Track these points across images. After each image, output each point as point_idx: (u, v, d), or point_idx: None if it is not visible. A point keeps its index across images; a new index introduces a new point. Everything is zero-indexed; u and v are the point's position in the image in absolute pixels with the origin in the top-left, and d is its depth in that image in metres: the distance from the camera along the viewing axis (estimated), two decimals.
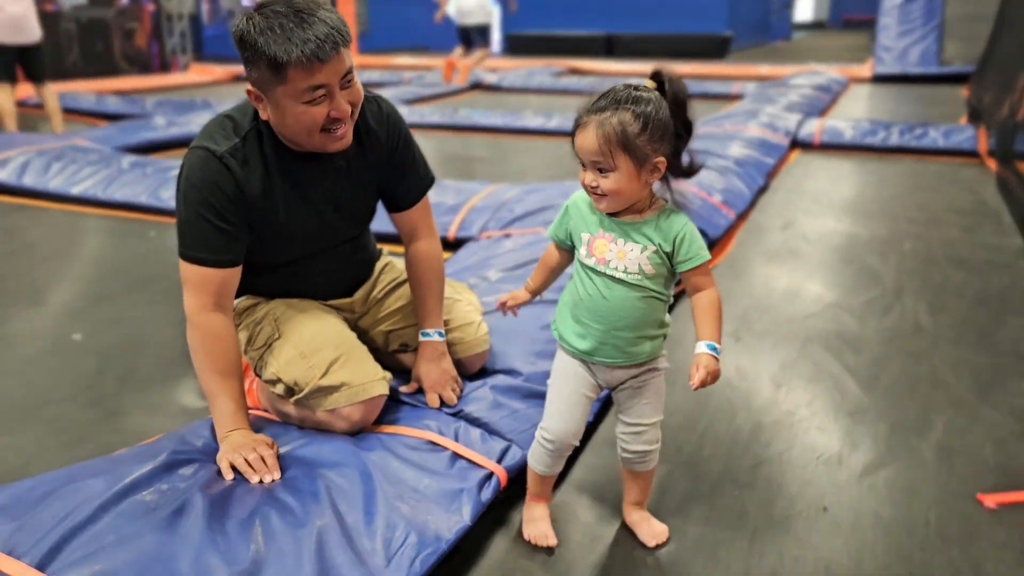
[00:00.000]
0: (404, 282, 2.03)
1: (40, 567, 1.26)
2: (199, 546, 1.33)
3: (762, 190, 4.40)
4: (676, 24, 15.15)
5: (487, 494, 1.60)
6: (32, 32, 5.84)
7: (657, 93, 1.36)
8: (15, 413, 2.10)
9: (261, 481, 1.54)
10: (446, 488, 1.57)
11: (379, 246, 2.13)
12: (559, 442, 1.53)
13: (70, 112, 7.35)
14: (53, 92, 6.24)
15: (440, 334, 1.95)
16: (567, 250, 1.55)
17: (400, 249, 2.00)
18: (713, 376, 1.36)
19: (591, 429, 1.96)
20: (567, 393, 1.53)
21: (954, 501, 1.72)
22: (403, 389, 1.94)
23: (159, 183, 4.13)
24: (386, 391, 1.78)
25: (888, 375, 2.29)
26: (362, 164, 1.80)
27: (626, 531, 1.61)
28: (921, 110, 7.66)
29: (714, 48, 14.71)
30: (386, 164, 1.84)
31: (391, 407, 1.86)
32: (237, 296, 1.80)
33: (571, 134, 1.39)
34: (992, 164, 4.92)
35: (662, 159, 1.36)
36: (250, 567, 1.31)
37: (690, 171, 1.41)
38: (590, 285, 1.45)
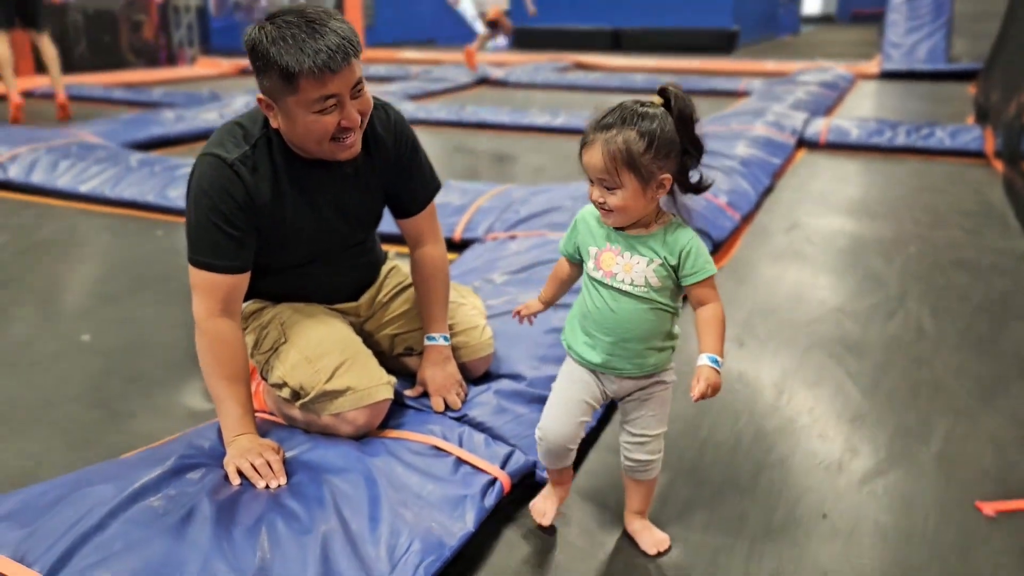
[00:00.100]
0: (409, 286, 2.05)
1: (51, 574, 1.28)
2: (207, 553, 1.35)
3: (768, 191, 4.40)
4: (683, 18, 15.11)
5: (490, 500, 1.61)
6: None
7: (663, 110, 1.37)
8: (24, 415, 2.13)
9: (267, 486, 1.57)
10: (450, 494, 1.59)
11: (385, 247, 2.15)
12: (549, 442, 1.57)
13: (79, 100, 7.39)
14: (50, 41, 6.22)
15: (445, 338, 1.97)
16: (577, 264, 1.58)
17: (405, 250, 2.02)
18: (714, 389, 1.38)
19: (594, 435, 1.98)
20: (567, 397, 1.56)
21: (953, 508, 1.73)
22: (408, 393, 1.96)
23: (167, 182, 4.15)
24: (391, 395, 1.80)
25: (890, 381, 2.30)
26: (370, 171, 1.82)
27: (627, 538, 1.63)
28: (928, 108, 7.63)
29: (721, 43, 14.67)
30: (393, 171, 1.86)
31: (396, 411, 1.88)
32: (244, 300, 1.82)
33: (579, 151, 1.42)
34: (998, 165, 4.91)
35: (668, 176, 1.38)
36: (256, 574, 1.33)
37: (699, 188, 1.43)
38: (598, 298, 1.47)
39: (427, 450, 1.73)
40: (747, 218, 3.85)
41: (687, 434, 2.02)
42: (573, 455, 1.63)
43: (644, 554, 1.59)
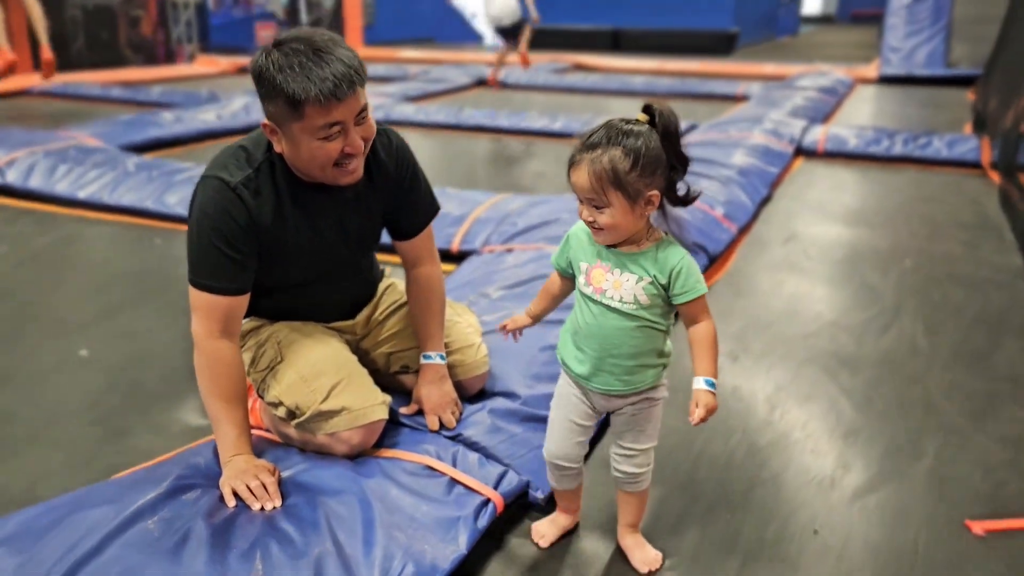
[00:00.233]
0: (405, 304, 2.06)
1: None
2: None
3: (765, 200, 4.41)
4: (683, 19, 15.12)
5: (483, 521, 1.62)
6: None
7: (648, 127, 1.38)
8: (22, 433, 2.13)
9: (263, 508, 1.58)
10: (443, 516, 1.60)
11: (382, 259, 2.15)
12: (552, 462, 1.62)
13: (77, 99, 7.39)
14: (36, 2, 6.19)
15: (442, 357, 1.98)
16: (569, 278, 1.60)
17: (399, 260, 2.03)
18: (711, 412, 1.42)
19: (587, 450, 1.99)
20: (559, 417, 1.60)
21: (943, 527, 1.74)
22: (403, 411, 1.97)
23: (165, 187, 4.15)
24: (386, 415, 1.81)
25: (882, 397, 2.32)
26: (371, 195, 1.84)
27: (620, 553, 1.65)
28: (927, 114, 7.65)
29: (721, 44, 14.68)
30: (394, 195, 1.88)
31: (391, 430, 1.89)
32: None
33: (567, 172, 1.43)
34: (995, 176, 4.93)
35: (655, 192, 1.39)
36: None
37: (687, 201, 1.45)
38: (588, 313, 1.49)
39: (421, 470, 1.74)
40: (744, 229, 3.85)
41: (681, 449, 2.03)
42: (579, 476, 1.66)
43: (636, 572, 1.60)
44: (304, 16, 15.19)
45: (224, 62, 11.85)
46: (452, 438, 1.89)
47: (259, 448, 1.79)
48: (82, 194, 4.20)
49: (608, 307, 1.46)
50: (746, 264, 3.44)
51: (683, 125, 5.84)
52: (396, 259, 2.03)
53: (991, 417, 2.21)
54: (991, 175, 5.02)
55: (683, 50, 14.19)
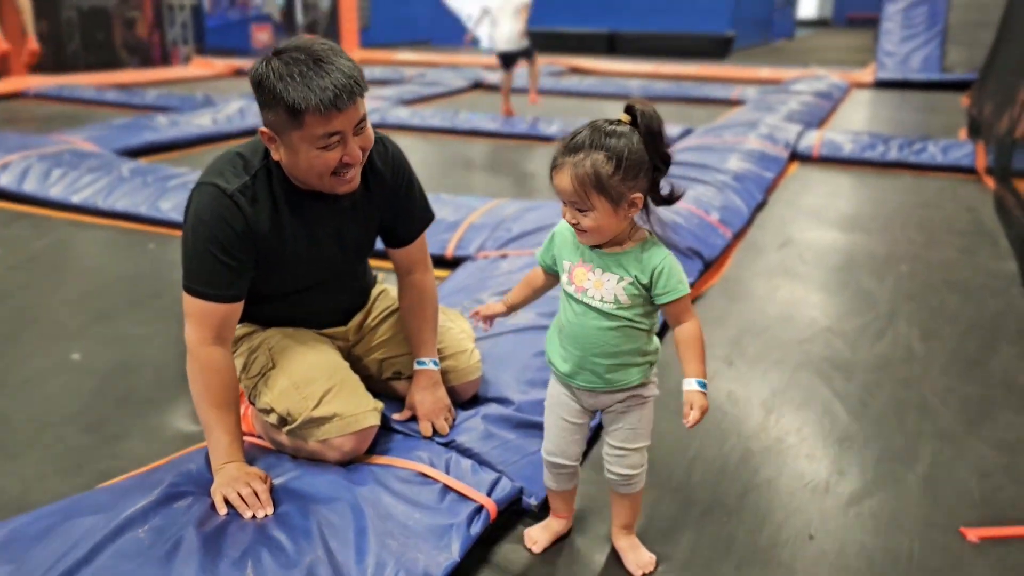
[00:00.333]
0: (397, 310, 2.06)
1: None
2: None
3: (760, 205, 4.41)
4: (679, 23, 15.15)
5: (476, 528, 1.62)
6: None
7: (630, 128, 1.38)
8: (14, 438, 2.12)
9: (254, 516, 1.57)
10: (436, 524, 1.59)
11: (374, 265, 2.14)
12: (550, 461, 1.62)
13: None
14: None
15: (435, 363, 1.97)
16: (553, 275, 1.61)
17: (390, 265, 2.03)
18: (704, 412, 1.43)
19: (588, 447, 1.98)
20: (552, 417, 1.61)
21: (938, 533, 1.74)
22: (396, 417, 1.96)
23: (159, 193, 4.14)
24: (377, 422, 1.80)
25: (878, 402, 2.32)
26: (368, 203, 1.84)
27: (613, 558, 1.64)
28: (922, 119, 7.67)
29: (717, 47, 14.71)
30: (390, 204, 1.88)
31: (383, 436, 1.89)
32: None
33: (549, 174, 1.43)
34: (990, 182, 4.93)
35: (639, 195, 1.40)
36: None
37: (671, 199, 1.45)
38: (570, 312, 1.51)
39: (414, 477, 1.73)
40: (739, 234, 3.85)
41: (675, 453, 2.03)
42: (575, 477, 1.66)
43: (630, 574, 1.60)
44: (300, 18, 15.18)
45: (220, 64, 11.84)
46: (445, 445, 1.88)
47: (251, 455, 1.78)
48: (76, 199, 4.19)
49: (589, 306, 1.47)
50: (741, 269, 3.44)
51: (678, 129, 5.85)
52: (388, 265, 2.02)
53: (986, 422, 2.21)
54: (986, 181, 5.03)
55: (679, 54, 14.23)
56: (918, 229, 4.07)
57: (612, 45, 15.32)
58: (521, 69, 7.50)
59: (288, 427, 1.77)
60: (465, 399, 2.05)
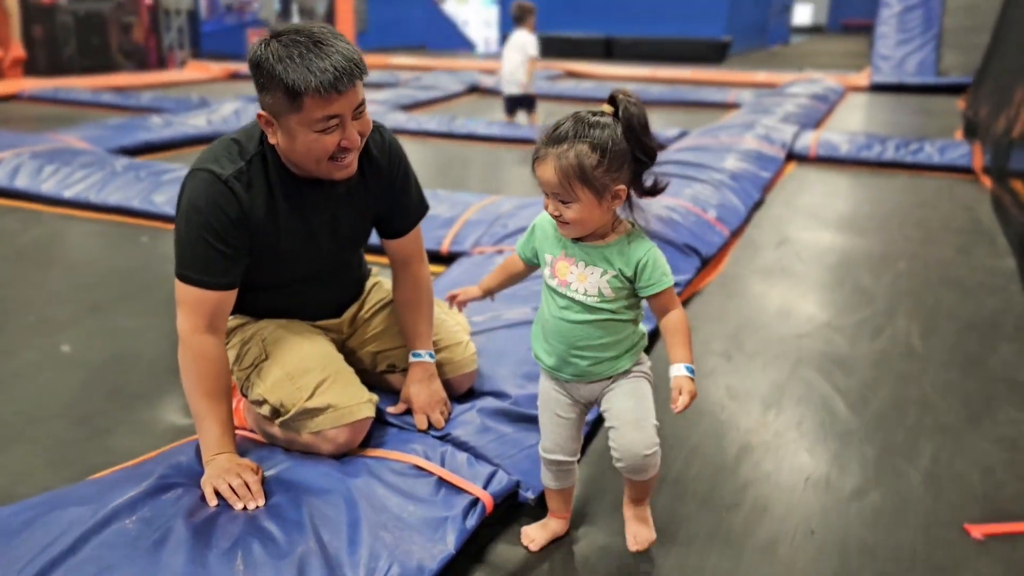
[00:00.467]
0: (391, 302, 2.03)
1: None
2: None
3: (757, 204, 4.39)
4: (675, 27, 15.18)
5: (472, 521, 1.59)
6: None
7: (613, 119, 1.37)
8: (2, 430, 2.09)
9: (245, 508, 1.54)
10: (431, 516, 1.56)
11: (369, 259, 2.12)
12: (547, 458, 1.59)
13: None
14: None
15: (431, 355, 1.95)
16: (532, 266, 1.60)
17: (386, 260, 2.00)
18: (693, 398, 1.40)
19: (583, 444, 1.96)
20: (545, 413, 1.59)
21: (941, 529, 1.72)
22: (391, 410, 1.94)
23: (153, 187, 4.11)
24: (372, 414, 1.78)
25: (878, 398, 2.29)
26: (363, 191, 1.81)
27: (611, 559, 1.61)
28: (918, 122, 7.67)
29: (713, 52, 14.73)
30: (386, 192, 1.85)
31: (377, 430, 1.86)
32: None
33: (531, 165, 1.41)
34: (987, 181, 4.93)
35: (622, 187, 1.38)
36: None
37: (654, 191, 1.43)
38: (553, 306, 1.49)
39: (409, 470, 1.70)
40: (736, 232, 3.84)
41: (674, 446, 2.01)
42: (573, 475, 1.63)
43: (625, 570, 1.57)
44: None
45: (215, 68, 11.83)
46: (441, 438, 1.85)
47: (243, 448, 1.75)
48: (68, 193, 4.17)
49: (572, 300, 1.45)
50: (739, 267, 3.42)
51: (674, 132, 5.83)
52: (384, 260, 1.99)
53: (988, 418, 2.18)
54: (983, 180, 5.02)
55: (675, 58, 14.24)
56: (915, 228, 4.06)
57: (608, 50, 15.34)
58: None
59: (281, 418, 1.74)
60: (461, 392, 2.03)
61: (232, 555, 1.39)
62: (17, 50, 6.64)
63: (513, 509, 1.75)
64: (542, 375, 1.58)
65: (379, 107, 7.97)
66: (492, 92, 9.94)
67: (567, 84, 10.36)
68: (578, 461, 1.64)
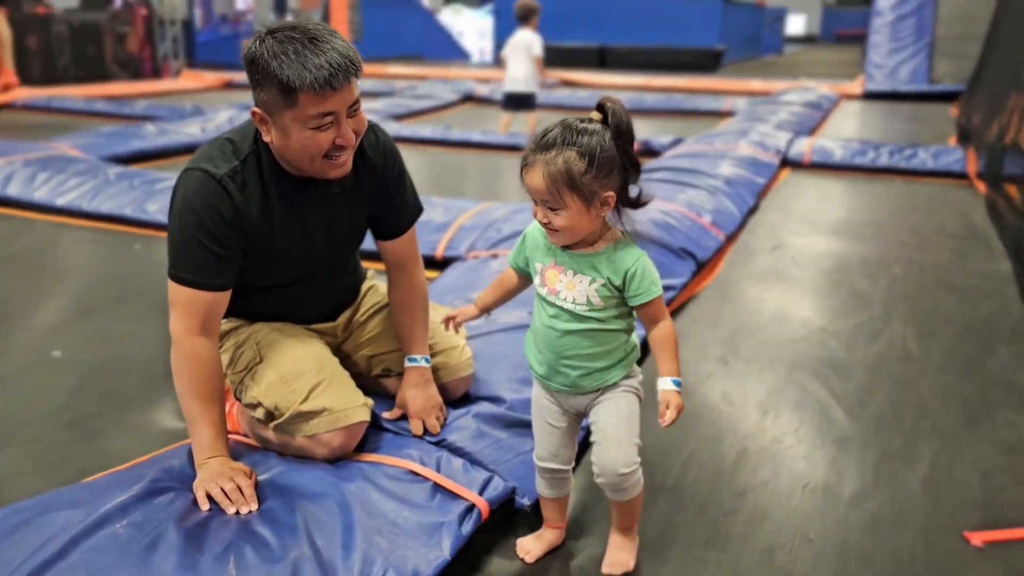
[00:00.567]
0: (387, 306, 2.02)
1: None
2: None
3: (752, 210, 4.40)
4: (669, 37, 15.21)
5: (468, 527, 1.57)
6: None
7: (602, 126, 1.36)
8: None
9: (237, 512, 1.52)
10: (426, 521, 1.54)
11: (365, 265, 2.11)
12: (541, 466, 1.58)
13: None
14: (5, 22, 6.16)
15: (426, 359, 1.93)
16: (525, 276, 1.59)
17: (383, 267, 1.99)
18: (680, 411, 1.40)
19: (578, 452, 1.94)
20: (539, 422, 1.58)
21: (940, 535, 1.70)
22: (386, 415, 1.92)
23: (146, 196, 4.10)
24: (367, 417, 1.76)
25: (875, 403, 2.28)
26: (358, 191, 1.80)
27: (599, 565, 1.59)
28: (911, 129, 7.70)
29: (706, 61, 14.78)
30: (380, 192, 1.84)
31: (372, 435, 1.84)
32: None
33: (520, 172, 1.40)
34: (981, 186, 4.94)
35: (611, 194, 1.37)
36: None
37: (638, 203, 1.43)
38: (543, 314, 1.48)
39: (404, 475, 1.68)
40: (731, 238, 3.83)
41: (671, 452, 1.99)
42: (567, 483, 1.61)
43: None
44: None
45: (210, 77, 11.82)
46: (436, 443, 1.84)
47: (236, 452, 1.73)
48: (61, 201, 4.15)
49: (562, 308, 1.44)
50: (734, 272, 3.42)
51: (668, 139, 5.84)
52: (380, 266, 1.98)
53: (986, 422, 2.18)
54: (977, 185, 5.03)
55: (669, 67, 14.28)
56: (910, 232, 4.06)
57: (603, 59, 15.37)
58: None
59: (275, 422, 1.72)
60: (456, 397, 2.01)
61: (224, 560, 1.37)
62: (9, 77, 6.64)
63: (508, 517, 1.73)
64: (535, 383, 1.57)
65: (374, 116, 7.97)
66: (487, 101, 9.94)
67: (562, 93, 10.37)
68: (573, 470, 1.62)
